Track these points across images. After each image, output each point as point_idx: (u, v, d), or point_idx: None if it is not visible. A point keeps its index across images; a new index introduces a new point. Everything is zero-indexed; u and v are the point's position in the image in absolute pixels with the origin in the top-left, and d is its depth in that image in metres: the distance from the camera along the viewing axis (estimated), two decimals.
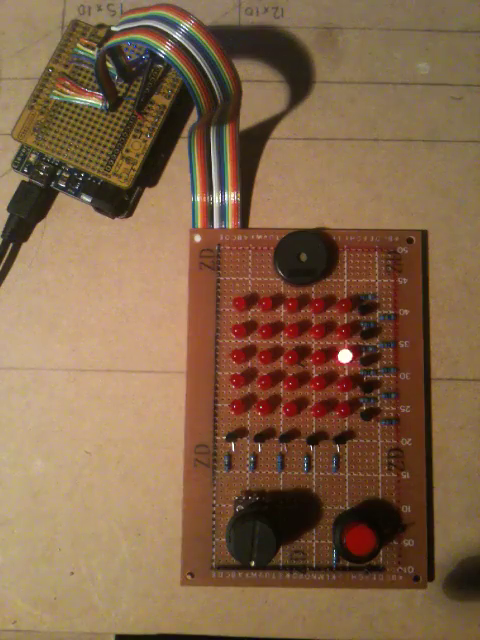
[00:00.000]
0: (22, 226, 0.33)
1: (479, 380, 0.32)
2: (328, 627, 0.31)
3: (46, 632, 0.31)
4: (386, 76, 0.35)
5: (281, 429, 0.31)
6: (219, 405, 0.31)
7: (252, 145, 0.34)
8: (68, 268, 0.33)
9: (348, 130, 0.34)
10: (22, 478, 0.32)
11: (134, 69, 0.33)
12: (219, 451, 0.31)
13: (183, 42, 0.27)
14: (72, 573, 0.31)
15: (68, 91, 0.33)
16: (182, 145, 0.34)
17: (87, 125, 0.33)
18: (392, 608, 0.31)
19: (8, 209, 0.33)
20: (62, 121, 0.33)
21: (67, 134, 0.33)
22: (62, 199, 0.34)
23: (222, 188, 0.33)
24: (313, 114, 0.35)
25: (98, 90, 0.32)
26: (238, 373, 0.31)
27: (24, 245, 0.34)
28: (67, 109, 0.33)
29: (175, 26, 0.27)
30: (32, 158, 0.33)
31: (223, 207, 0.33)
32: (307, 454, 0.31)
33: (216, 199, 0.33)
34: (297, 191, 0.34)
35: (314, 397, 0.32)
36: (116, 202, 0.33)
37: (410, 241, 0.33)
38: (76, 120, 0.33)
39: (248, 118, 0.34)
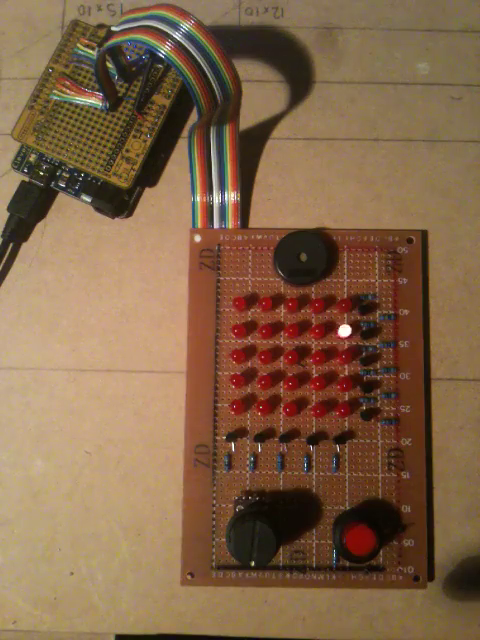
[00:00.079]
0: (22, 226, 0.33)
1: (479, 380, 0.32)
2: (328, 627, 0.31)
3: (46, 632, 0.31)
4: (386, 76, 0.35)
5: (281, 429, 0.31)
6: (219, 405, 0.31)
7: (252, 145, 0.34)
8: (68, 268, 0.33)
9: (348, 130, 0.34)
10: (22, 478, 0.32)
11: (134, 69, 0.33)
12: (219, 451, 0.31)
13: (183, 42, 0.27)
14: (72, 573, 0.31)
15: (68, 91, 0.33)
16: (182, 145, 0.34)
17: (87, 125, 0.33)
18: (392, 608, 0.31)
19: (8, 209, 0.33)
20: (62, 121, 0.33)
21: (67, 134, 0.33)
22: (62, 199, 0.34)
23: (222, 188, 0.33)
24: (313, 114, 0.35)
25: (98, 90, 0.32)
26: (238, 373, 0.31)
27: (24, 245, 0.34)
28: (67, 109, 0.33)
29: (175, 26, 0.27)
30: (32, 158, 0.33)
31: (223, 207, 0.33)
32: (307, 454, 0.31)
33: (216, 199, 0.33)
34: (297, 191, 0.34)
35: (314, 397, 0.32)
36: (116, 202, 0.33)
37: (410, 241, 0.33)
38: (76, 120, 0.33)
39: (248, 118, 0.34)
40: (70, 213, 0.34)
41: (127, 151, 0.33)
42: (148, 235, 0.34)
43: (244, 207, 0.34)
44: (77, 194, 0.33)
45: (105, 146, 0.33)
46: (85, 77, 0.33)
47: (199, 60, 0.27)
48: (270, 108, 0.35)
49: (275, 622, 0.31)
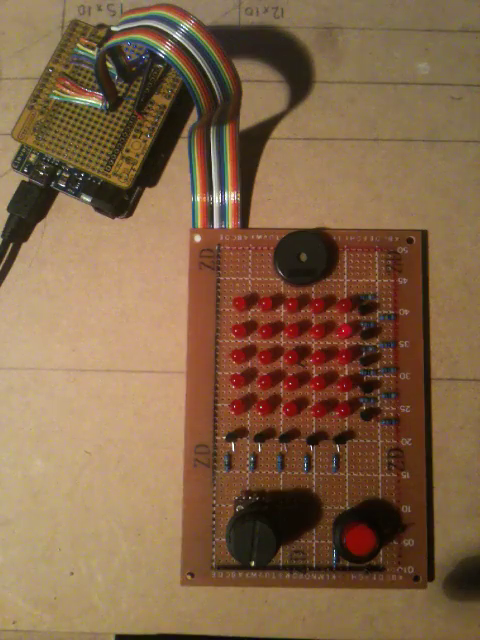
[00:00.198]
0: (22, 226, 0.33)
1: (479, 380, 0.32)
2: (328, 627, 0.31)
3: (46, 632, 0.31)
4: (386, 76, 0.35)
5: (281, 429, 0.31)
6: (219, 405, 0.31)
7: (252, 145, 0.34)
8: (68, 268, 0.33)
9: (348, 130, 0.34)
10: (22, 478, 0.32)
11: (134, 69, 0.33)
12: (219, 451, 0.31)
13: (183, 42, 0.27)
14: (72, 573, 0.31)
15: (68, 91, 0.33)
16: (182, 145, 0.34)
17: (87, 125, 0.33)
18: (392, 608, 0.31)
19: (8, 209, 0.33)
20: (62, 121, 0.33)
21: (67, 134, 0.33)
22: (62, 199, 0.34)
23: (222, 188, 0.33)
24: (313, 114, 0.35)
25: (98, 90, 0.32)
26: (238, 373, 0.31)
27: (24, 245, 0.34)
28: (67, 109, 0.33)
29: (175, 26, 0.27)
30: (32, 158, 0.33)
31: (223, 207, 0.33)
32: (307, 454, 0.31)
33: (216, 199, 0.33)
34: (297, 191, 0.34)
35: (314, 397, 0.32)
36: (116, 202, 0.33)
37: (410, 241, 0.33)
38: (76, 120, 0.33)
39: (248, 118, 0.34)
40: (70, 213, 0.34)
41: (127, 151, 0.33)
42: (148, 235, 0.34)
43: (244, 207, 0.34)
44: (77, 194, 0.33)
45: (105, 146, 0.33)
46: (85, 77, 0.33)
47: (199, 60, 0.27)
48: (270, 108, 0.35)
49: (275, 622, 0.31)
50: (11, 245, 0.33)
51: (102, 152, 0.33)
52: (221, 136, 0.32)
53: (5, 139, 0.34)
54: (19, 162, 0.33)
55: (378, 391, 0.32)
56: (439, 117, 0.34)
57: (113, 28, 0.29)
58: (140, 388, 0.32)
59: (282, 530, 0.30)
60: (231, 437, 0.31)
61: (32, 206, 0.33)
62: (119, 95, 0.33)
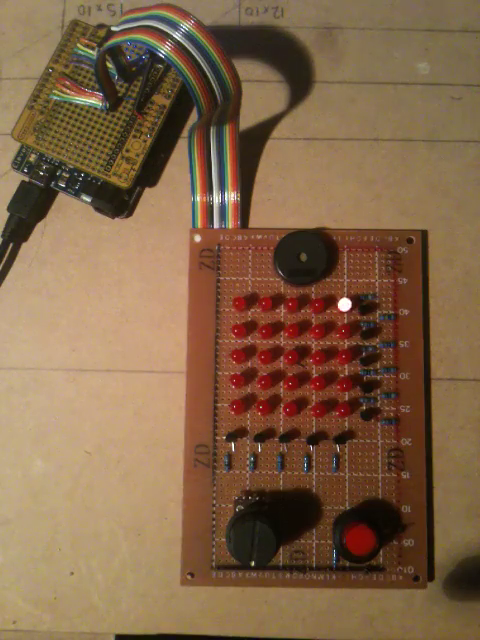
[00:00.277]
0: (22, 226, 0.33)
1: (479, 380, 0.32)
2: (328, 627, 0.31)
3: (46, 632, 0.31)
4: (386, 76, 0.35)
5: (281, 429, 0.31)
6: (219, 405, 0.31)
7: (252, 145, 0.34)
8: (68, 268, 0.33)
9: (348, 130, 0.34)
10: (22, 478, 0.32)
11: (134, 69, 0.33)
12: (219, 451, 0.31)
13: (183, 42, 0.27)
14: (72, 573, 0.31)
15: (68, 91, 0.33)
16: (182, 145, 0.34)
17: (87, 125, 0.33)
18: (392, 608, 0.31)
19: (8, 209, 0.33)
20: (62, 121, 0.33)
21: (67, 134, 0.33)
22: (62, 199, 0.34)
23: (222, 188, 0.33)
24: (313, 114, 0.35)
25: (98, 90, 0.32)
26: (238, 373, 0.31)
27: (24, 245, 0.34)
28: (67, 109, 0.33)
29: (175, 26, 0.27)
30: (32, 158, 0.33)
31: (223, 207, 0.33)
32: (307, 454, 0.31)
33: (216, 199, 0.33)
34: (297, 191, 0.34)
35: (314, 397, 0.32)
36: (116, 202, 0.33)
37: (410, 241, 0.33)
38: (76, 120, 0.33)
39: (248, 118, 0.34)
40: (70, 213, 0.34)
41: (127, 151, 0.33)
42: (148, 235, 0.34)
43: (244, 207, 0.34)
44: (77, 194, 0.33)
45: (105, 146, 0.33)
46: (85, 77, 0.33)
47: (199, 60, 0.27)
48: (270, 108, 0.35)
49: (275, 622, 0.31)
50: (11, 245, 0.33)
51: (102, 152, 0.33)
52: (221, 136, 0.32)
53: (5, 139, 0.34)
54: (19, 162, 0.33)
55: (378, 391, 0.32)
56: (439, 117, 0.34)
57: (113, 28, 0.29)
58: (140, 388, 0.32)
59: (282, 530, 0.30)
60: (231, 437, 0.31)
61: (32, 206, 0.33)
62: (119, 95, 0.33)
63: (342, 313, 0.32)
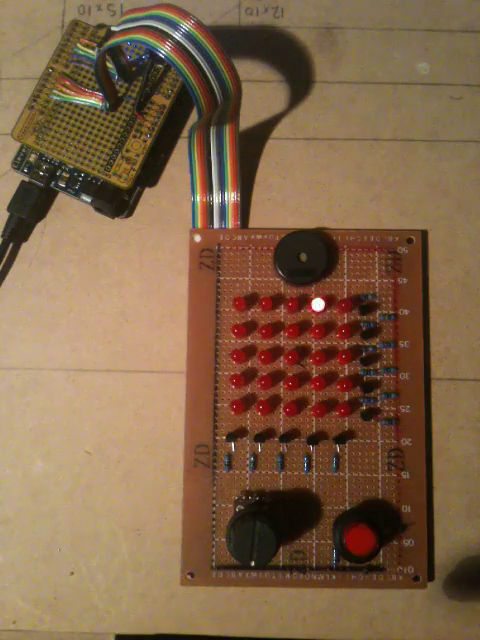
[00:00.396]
0: (22, 226, 0.33)
1: (479, 380, 0.32)
2: (328, 627, 0.31)
3: (46, 632, 0.31)
4: (386, 76, 0.35)
5: (281, 429, 0.31)
6: (219, 405, 0.31)
7: (252, 145, 0.34)
8: (68, 268, 0.33)
9: (348, 130, 0.34)
10: (22, 478, 0.32)
11: (134, 69, 0.33)
12: (219, 451, 0.31)
13: (183, 42, 0.27)
14: (72, 573, 0.31)
15: (68, 91, 0.33)
16: (182, 145, 0.34)
17: (87, 125, 0.33)
18: (392, 608, 0.31)
19: (8, 209, 0.33)
20: (62, 121, 0.33)
21: (67, 134, 0.33)
22: (62, 199, 0.34)
23: (222, 188, 0.33)
24: (313, 114, 0.35)
25: (98, 90, 0.32)
26: (238, 373, 0.31)
27: (24, 245, 0.34)
28: (67, 109, 0.33)
29: (175, 26, 0.27)
30: (32, 158, 0.33)
31: (223, 207, 0.33)
32: (307, 454, 0.31)
33: (216, 199, 0.33)
34: (297, 191, 0.34)
35: (314, 397, 0.32)
36: (116, 202, 0.33)
37: (410, 241, 0.33)
38: (76, 120, 0.33)
39: (248, 118, 0.34)
40: (70, 213, 0.34)
41: (127, 151, 0.33)
42: (148, 235, 0.34)
43: (244, 207, 0.34)
44: (77, 194, 0.33)
45: (105, 146, 0.33)
46: (85, 77, 0.33)
47: (199, 60, 0.27)
48: (270, 108, 0.35)
49: (275, 622, 0.31)
50: (11, 245, 0.33)
51: (102, 152, 0.33)
52: (221, 136, 0.32)
53: (5, 139, 0.34)
54: (19, 162, 0.33)
55: (378, 391, 0.31)
56: (439, 117, 0.34)
57: (113, 28, 0.29)
58: (140, 388, 0.32)
59: (282, 530, 0.30)
60: (231, 437, 0.31)
61: (32, 206, 0.33)
62: (119, 95, 0.33)
63: (342, 311, 0.32)
